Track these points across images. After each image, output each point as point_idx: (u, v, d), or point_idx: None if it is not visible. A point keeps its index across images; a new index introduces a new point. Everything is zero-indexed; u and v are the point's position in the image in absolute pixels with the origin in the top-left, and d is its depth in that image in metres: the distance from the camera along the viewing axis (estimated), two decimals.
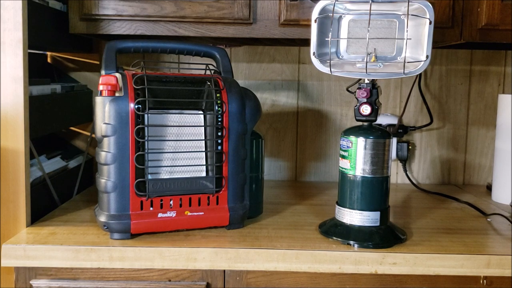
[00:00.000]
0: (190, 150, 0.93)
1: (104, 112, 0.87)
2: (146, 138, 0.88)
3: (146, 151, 0.89)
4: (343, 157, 0.92)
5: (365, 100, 0.90)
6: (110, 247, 0.86)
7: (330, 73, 0.89)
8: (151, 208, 0.90)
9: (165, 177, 0.91)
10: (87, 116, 1.34)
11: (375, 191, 0.90)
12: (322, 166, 1.43)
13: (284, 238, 0.92)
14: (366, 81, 0.91)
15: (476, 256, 0.86)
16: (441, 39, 1.11)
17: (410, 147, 1.37)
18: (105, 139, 0.87)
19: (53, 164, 1.16)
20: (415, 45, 0.87)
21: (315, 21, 0.89)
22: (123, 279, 0.88)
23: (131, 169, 0.87)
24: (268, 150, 1.43)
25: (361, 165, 0.90)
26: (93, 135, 1.35)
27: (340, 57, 0.91)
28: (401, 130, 1.37)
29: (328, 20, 0.89)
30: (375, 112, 0.90)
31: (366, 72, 0.87)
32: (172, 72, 1.38)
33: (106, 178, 0.88)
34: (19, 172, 0.93)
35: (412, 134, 1.42)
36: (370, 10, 0.87)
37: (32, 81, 1.02)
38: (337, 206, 0.95)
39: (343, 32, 0.90)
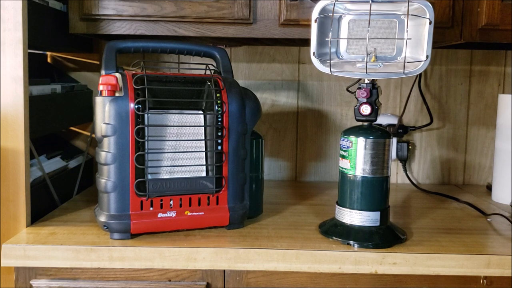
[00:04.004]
0: (190, 150, 0.93)
1: (104, 112, 0.87)
2: (146, 138, 0.88)
3: (146, 151, 0.89)
4: (343, 157, 0.92)
5: (365, 100, 0.90)
6: (110, 247, 0.86)
7: (330, 73, 0.89)
8: (151, 208, 0.90)
9: (165, 177, 0.91)
10: (87, 116, 1.34)
11: (375, 191, 0.90)
12: (322, 166, 1.43)
13: (284, 238, 0.92)
14: (366, 81, 0.91)
15: (476, 256, 0.86)
16: (441, 39, 1.11)
17: (410, 147, 1.37)
18: (105, 139, 0.87)
19: (53, 164, 1.16)
20: (415, 45, 0.87)
21: (315, 21, 0.89)
22: (123, 279, 0.88)
23: (131, 169, 0.87)
24: (268, 150, 1.43)
25: (361, 165, 0.90)
26: (93, 135, 1.35)
27: (340, 57, 0.91)
28: (401, 130, 1.37)
29: (328, 20, 0.89)
30: (375, 112, 0.90)
31: (366, 72, 0.87)
32: (172, 72, 1.38)
33: (106, 178, 0.88)
34: (19, 172, 0.93)
35: (412, 134, 1.42)
36: (370, 10, 0.87)
37: (32, 81, 1.02)
38: (337, 206, 0.95)
39: (343, 32, 0.90)
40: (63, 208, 1.09)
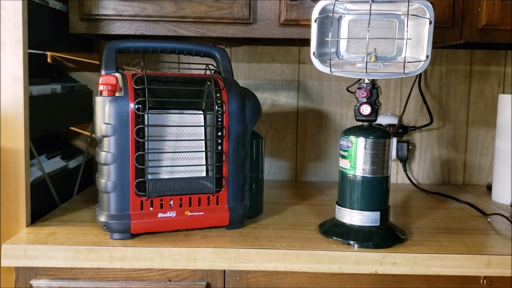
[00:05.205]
0: (190, 150, 0.93)
1: (104, 112, 0.87)
2: (146, 138, 0.88)
3: (146, 151, 0.89)
4: (343, 157, 0.92)
5: (365, 100, 0.90)
6: (110, 247, 0.86)
7: (330, 73, 0.89)
8: (151, 208, 0.90)
9: (165, 177, 0.91)
10: (87, 116, 1.34)
11: (375, 191, 0.90)
12: (322, 166, 1.43)
13: (284, 238, 0.92)
14: (366, 81, 0.91)
15: (476, 256, 0.86)
16: (441, 39, 1.11)
17: (410, 147, 1.37)
18: (105, 139, 0.87)
19: (53, 164, 1.16)
20: (415, 45, 0.87)
21: (315, 21, 0.89)
22: (123, 279, 0.88)
23: (131, 169, 0.87)
24: (268, 150, 1.43)
25: (361, 165, 0.90)
26: (93, 135, 1.35)
27: (340, 57, 0.91)
28: (401, 130, 1.37)
29: (328, 20, 0.89)
30: (375, 112, 0.90)
31: (366, 72, 0.87)
32: (172, 72, 1.38)
33: (106, 178, 0.88)
34: (19, 172, 0.93)
35: (412, 134, 1.42)
36: (370, 10, 0.87)
37: (32, 81, 1.02)
38: (337, 206, 0.95)
39: (343, 32, 0.90)
40: (63, 208, 1.09)
